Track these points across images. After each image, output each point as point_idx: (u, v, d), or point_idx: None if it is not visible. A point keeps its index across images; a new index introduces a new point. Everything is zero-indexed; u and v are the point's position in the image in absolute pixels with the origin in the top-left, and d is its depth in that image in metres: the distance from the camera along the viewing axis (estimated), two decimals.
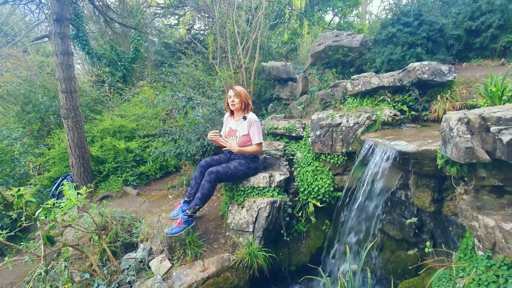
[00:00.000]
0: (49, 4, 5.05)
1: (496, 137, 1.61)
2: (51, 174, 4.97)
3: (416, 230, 2.80)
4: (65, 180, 4.64)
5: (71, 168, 4.64)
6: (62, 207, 2.12)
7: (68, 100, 4.46)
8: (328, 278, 2.57)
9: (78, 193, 2.24)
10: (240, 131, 3.09)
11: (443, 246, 2.26)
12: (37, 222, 2.14)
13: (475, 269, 1.72)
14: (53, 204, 2.14)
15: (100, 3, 6.21)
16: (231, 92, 3.10)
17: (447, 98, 3.26)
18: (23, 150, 5.55)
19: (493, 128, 1.62)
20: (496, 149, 1.64)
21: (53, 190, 4.54)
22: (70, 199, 2.14)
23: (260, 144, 3.07)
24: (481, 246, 1.77)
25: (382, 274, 3.08)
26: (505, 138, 1.57)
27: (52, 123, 6.04)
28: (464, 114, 1.79)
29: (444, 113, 3.04)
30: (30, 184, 5.07)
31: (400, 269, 2.91)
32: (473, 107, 2.88)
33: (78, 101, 4.63)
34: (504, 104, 2.30)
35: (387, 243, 3.12)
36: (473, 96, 3.11)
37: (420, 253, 2.59)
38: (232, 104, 3.09)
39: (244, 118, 3.09)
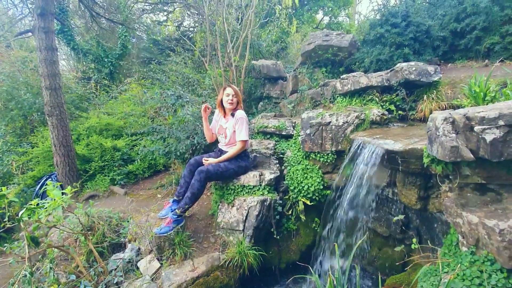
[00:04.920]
0: None
1: (480, 136, 1.66)
2: (35, 173, 4.82)
3: (403, 227, 2.85)
4: (50, 179, 4.51)
5: (55, 167, 4.52)
6: (46, 208, 2.05)
7: (53, 97, 4.33)
8: (317, 275, 2.60)
9: (62, 193, 2.18)
10: (229, 129, 3.09)
11: (428, 243, 2.31)
12: (21, 223, 2.08)
13: (459, 264, 1.76)
14: (37, 204, 2.08)
15: None
16: (230, 91, 3.04)
17: (433, 98, 3.33)
18: (5, 148, 5.37)
19: (477, 128, 1.67)
20: (479, 148, 1.68)
21: (37, 189, 4.41)
22: (55, 199, 2.08)
23: (243, 141, 3.03)
24: (465, 242, 1.82)
25: (370, 270, 3.13)
26: (488, 137, 1.62)
27: (35, 121, 5.85)
28: (450, 114, 1.83)
29: (430, 112, 3.11)
30: (13, 183, 4.91)
31: (387, 265, 2.97)
32: (458, 107, 2.96)
33: (63, 98, 4.50)
34: (487, 104, 2.37)
35: (375, 240, 3.17)
36: (457, 96, 3.19)
37: (407, 249, 2.65)
38: (230, 103, 3.04)
39: (233, 115, 3.08)
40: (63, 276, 2.67)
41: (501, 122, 1.59)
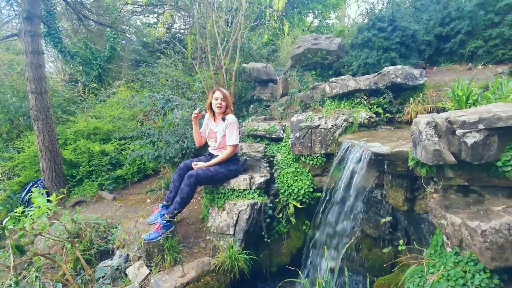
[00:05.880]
0: (19, 1, 4.79)
1: (461, 140, 1.70)
2: (21, 179, 4.71)
3: (391, 229, 2.90)
4: (36, 185, 4.42)
5: (42, 173, 4.43)
6: (31, 216, 2.01)
7: (38, 101, 4.26)
8: (307, 278, 2.61)
9: (48, 200, 2.14)
10: (220, 133, 3.08)
11: (415, 244, 2.36)
12: (6, 231, 2.03)
13: (444, 265, 1.80)
14: (22, 212, 2.04)
15: (73, 0, 5.96)
16: (218, 94, 3.03)
17: (419, 101, 3.40)
18: None
19: (458, 132, 1.71)
20: (461, 151, 1.73)
21: (23, 196, 4.32)
22: (39, 207, 2.04)
23: (234, 146, 3.02)
24: (449, 243, 1.87)
25: (359, 271, 3.16)
26: (469, 140, 1.67)
27: (21, 125, 5.74)
28: (432, 118, 1.87)
29: (417, 115, 3.17)
30: None
31: (376, 266, 3.00)
32: (443, 109, 3.03)
33: (49, 102, 4.43)
34: (469, 107, 2.43)
35: (364, 241, 3.21)
36: (442, 99, 3.27)
37: (395, 250, 2.69)
38: (219, 107, 3.03)
39: (223, 119, 3.08)
40: (49, 284, 2.61)
41: (481, 126, 1.63)
